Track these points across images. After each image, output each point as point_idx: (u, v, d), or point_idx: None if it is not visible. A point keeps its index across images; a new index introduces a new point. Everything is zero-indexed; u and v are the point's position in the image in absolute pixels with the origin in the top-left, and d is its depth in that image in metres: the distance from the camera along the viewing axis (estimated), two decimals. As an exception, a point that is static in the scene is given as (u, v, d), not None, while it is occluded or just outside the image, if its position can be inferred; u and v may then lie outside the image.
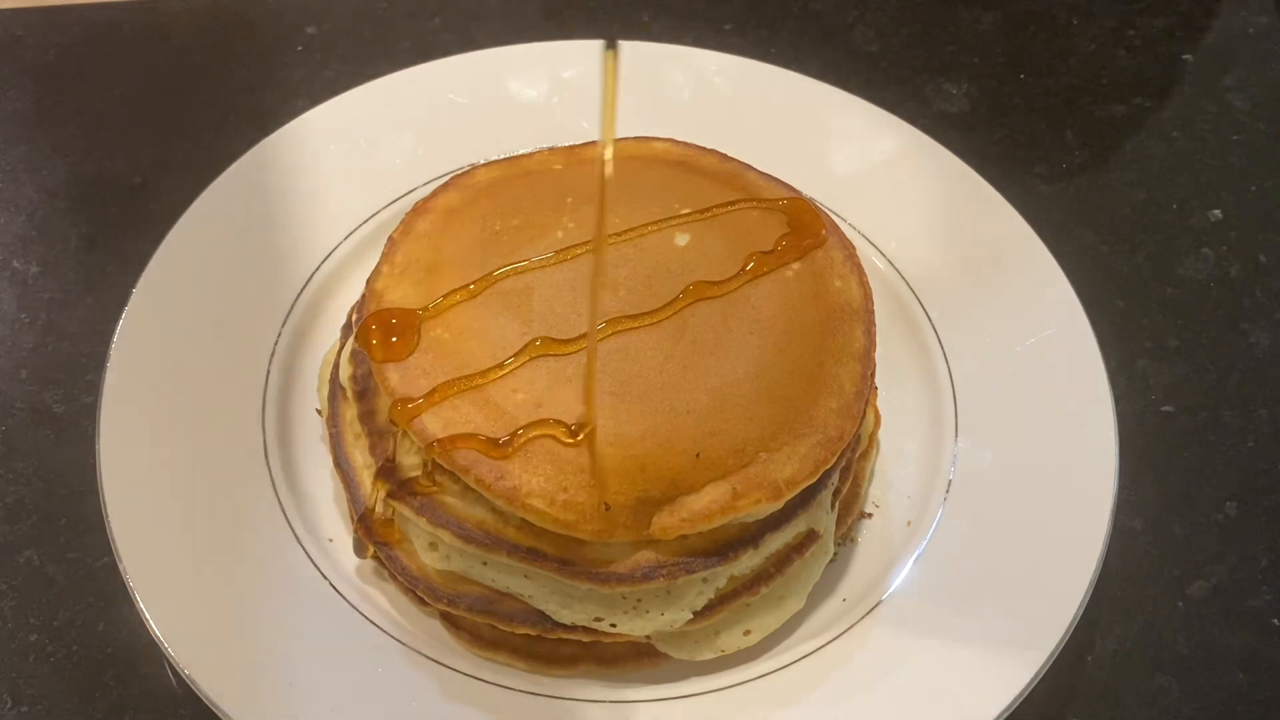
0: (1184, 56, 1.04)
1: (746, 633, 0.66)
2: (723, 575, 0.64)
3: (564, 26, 1.01)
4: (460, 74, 0.89)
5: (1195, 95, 1.01)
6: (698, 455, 0.61)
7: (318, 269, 0.80)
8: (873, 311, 0.68)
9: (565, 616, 0.63)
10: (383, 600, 0.68)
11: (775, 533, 0.64)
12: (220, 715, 0.61)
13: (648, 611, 0.63)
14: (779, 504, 0.62)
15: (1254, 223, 0.93)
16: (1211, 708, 0.71)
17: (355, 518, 0.68)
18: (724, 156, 0.75)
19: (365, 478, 0.68)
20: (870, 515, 0.73)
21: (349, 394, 0.69)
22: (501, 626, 0.65)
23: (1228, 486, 0.79)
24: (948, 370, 0.78)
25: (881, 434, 0.75)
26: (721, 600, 0.64)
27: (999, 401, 0.76)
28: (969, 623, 0.67)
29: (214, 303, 0.76)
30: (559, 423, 0.61)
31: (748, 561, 0.64)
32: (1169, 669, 0.72)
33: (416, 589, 0.66)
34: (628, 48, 0.90)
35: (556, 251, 0.68)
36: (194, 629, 0.64)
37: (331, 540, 0.70)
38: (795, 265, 0.69)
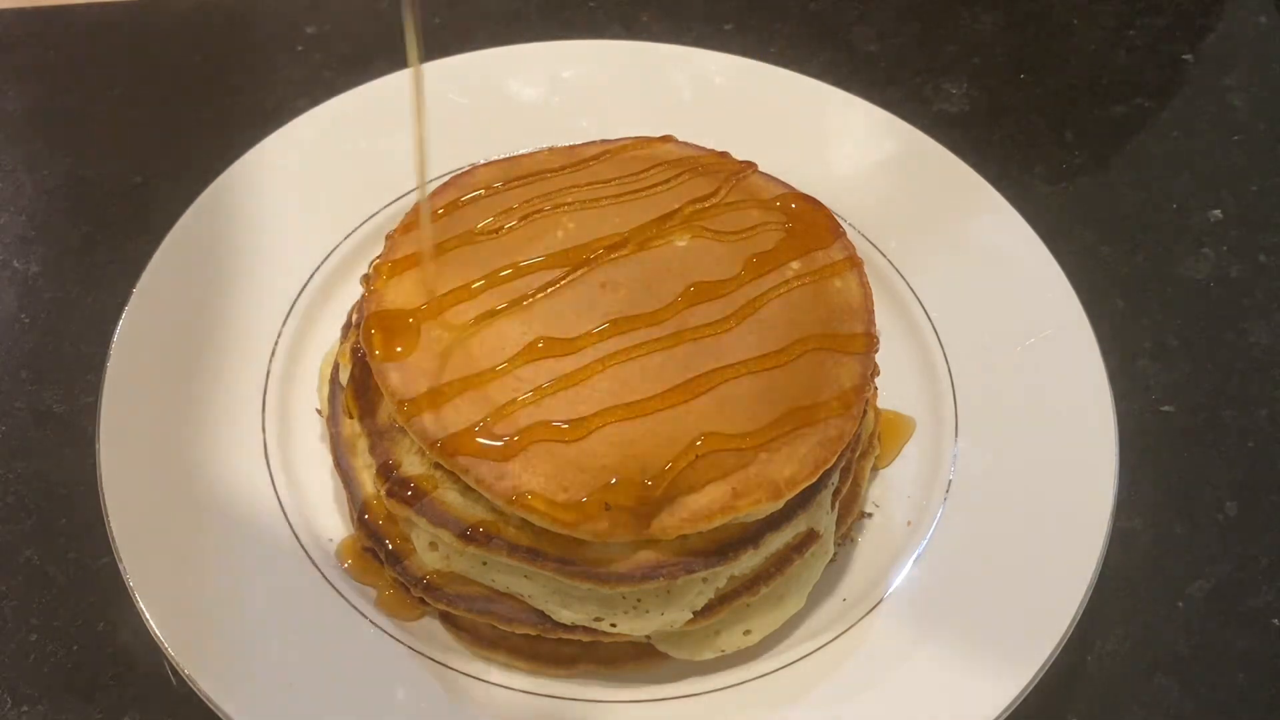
0: (1184, 56, 1.04)
1: (746, 633, 0.66)
2: (723, 575, 0.64)
3: (564, 26, 1.01)
4: (460, 74, 0.89)
5: (1195, 95, 1.01)
6: (698, 455, 0.61)
7: (318, 269, 0.80)
8: (873, 311, 0.68)
9: (565, 616, 0.63)
10: (383, 600, 0.68)
11: (775, 533, 0.64)
12: (220, 715, 0.61)
13: (648, 611, 0.63)
14: (779, 504, 0.62)
15: (1254, 223, 0.93)
16: (1211, 708, 0.71)
17: (355, 518, 0.68)
18: (724, 156, 0.75)
19: (365, 478, 0.68)
20: (870, 515, 0.73)
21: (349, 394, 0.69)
22: (501, 626, 0.65)
23: (1228, 486, 0.79)
24: (948, 370, 0.77)
25: (882, 434, 0.75)
26: (721, 600, 0.64)
27: (999, 401, 0.76)
28: (969, 623, 0.67)
29: (214, 303, 0.76)
30: (559, 423, 0.61)
31: (748, 561, 0.64)
32: (1169, 669, 0.72)
33: (416, 589, 0.66)
34: (628, 48, 0.92)
35: (556, 251, 0.68)
36: (194, 629, 0.64)
37: (331, 540, 0.70)
38: (795, 265, 0.69)
